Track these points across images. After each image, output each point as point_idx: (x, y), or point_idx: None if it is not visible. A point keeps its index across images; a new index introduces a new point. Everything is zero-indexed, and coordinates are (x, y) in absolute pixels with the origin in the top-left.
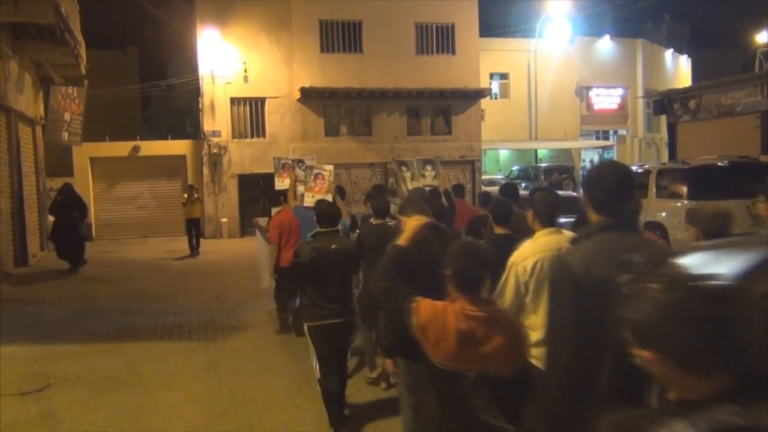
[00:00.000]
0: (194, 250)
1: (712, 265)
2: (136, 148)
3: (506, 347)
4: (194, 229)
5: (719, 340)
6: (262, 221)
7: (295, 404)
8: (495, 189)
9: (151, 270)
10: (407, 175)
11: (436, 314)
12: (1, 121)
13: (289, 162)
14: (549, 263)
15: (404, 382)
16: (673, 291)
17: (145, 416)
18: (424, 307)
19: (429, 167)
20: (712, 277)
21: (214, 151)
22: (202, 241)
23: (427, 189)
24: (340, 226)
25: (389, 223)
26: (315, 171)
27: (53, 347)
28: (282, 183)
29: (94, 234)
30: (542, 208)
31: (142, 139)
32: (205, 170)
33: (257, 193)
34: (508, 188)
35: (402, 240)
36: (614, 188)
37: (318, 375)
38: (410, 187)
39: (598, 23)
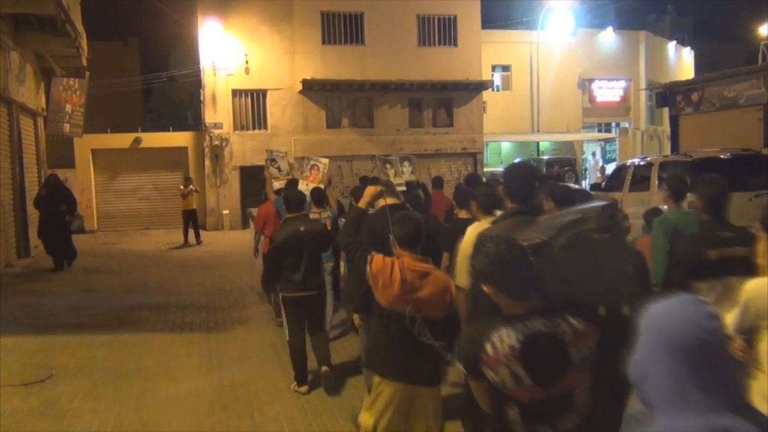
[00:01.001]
0: (187, 240)
1: (545, 230)
2: (137, 140)
3: (436, 296)
4: (191, 221)
5: (530, 276)
6: (255, 211)
7: (297, 396)
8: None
9: (152, 262)
10: (390, 171)
11: (385, 266)
12: (3, 112)
13: (282, 154)
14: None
15: (366, 327)
16: (497, 246)
17: (147, 407)
18: (376, 260)
19: (406, 163)
20: (529, 237)
21: (216, 143)
22: (204, 232)
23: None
24: (328, 213)
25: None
26: (311, 162)
27: (55, 338)
28: (279, 173)
29: (96, 226)
30: (483, 200)
31: (144, 131)
32: (207, 162)
33: (259, 185)
34: (471, 178)
35: (361, 203)
36: (523, 183)
37: (287, 338)
38: (393, 181)
39: (601, 15)
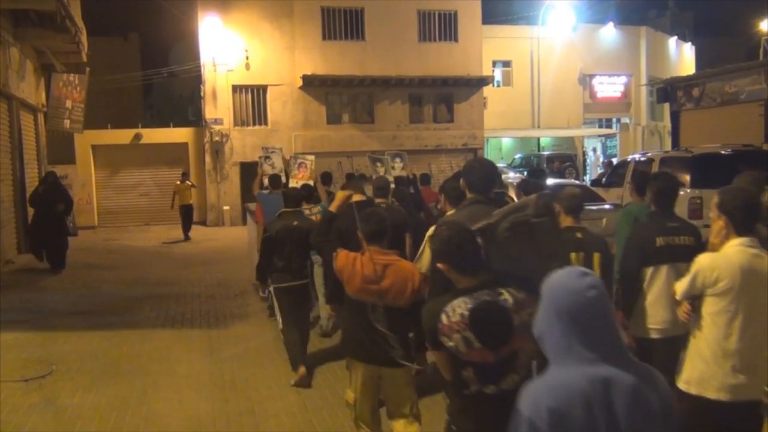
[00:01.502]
0: (187, 235)
1: (493, 216)
2: (137, 136)
3: (398, 284)
4: (187, 215)
5: (477, 254)
6: (252, 206)
7: (297, 390)
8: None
9: (153, 257)
10: (381, 169)
11: (348, 261)
12: (3, 108)
13: (277, 151)
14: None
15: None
16: (449, 230)
17: (148, 403)
18: (341, 256)
19: (398, 160)
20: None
21: (216, 139)
22: (204, 228)
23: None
24: (318, 208)
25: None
26: (299, 160)
27: (55, 334)
28: (272, 170)
29: (96, 221)
30: (450, 192)
31: (144, 126)
32: (207, 158)
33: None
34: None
35: (332, 207)
36: (481, 176)
37: (281, 326)
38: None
39: (602, 10)
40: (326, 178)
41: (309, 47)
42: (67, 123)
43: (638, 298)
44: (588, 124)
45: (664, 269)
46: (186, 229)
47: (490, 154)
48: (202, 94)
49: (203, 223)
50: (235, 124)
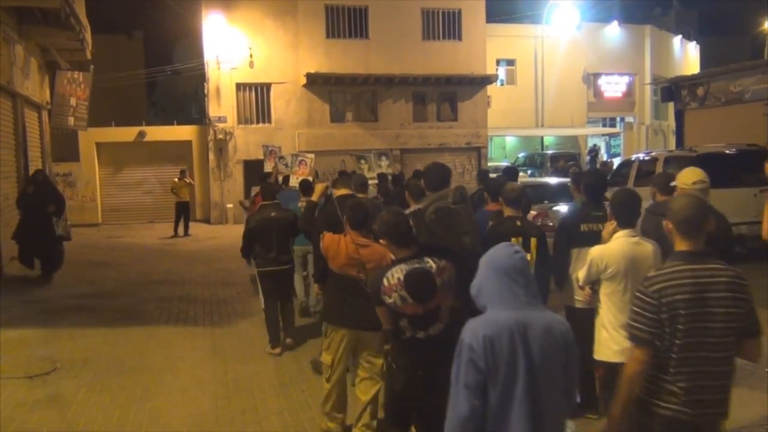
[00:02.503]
0: (177, 231)
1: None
2: (141, 134)
3: (373, 261)
4: (184, 213)
5: (409, 232)
6: (247, 201)
7: (301, 389)
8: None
9: (156, 255)
10: (365, 166)
11: (333, 242)
12: (8, 105)
13: (276, 149)
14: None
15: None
16: (387, 214)
17: (151, 400)
18: (326, 237)
19: (384, 158)
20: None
21: (220, 136)
22: (208, 226)
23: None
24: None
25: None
26: (299, 158)
27: (60, 331)
28: (269, 166)
29: (100, 219)
30: (414, 190)
31: (148, 124)
32: (211, 156)
33: (259, 178)
34: (482, 173)
35: (313, 197)
36: (436, 176)
37: (263, 306)
38: (366, 175)
39: (606, 9)
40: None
41: (313, 45)
42: (71, 120)
43: (566, 273)
44: (592, 123)
45: (586, 251)
46: (185, 226)
47: (493, 152)
48: (205, 91)
49: (207, 221)
50: (239, 122)
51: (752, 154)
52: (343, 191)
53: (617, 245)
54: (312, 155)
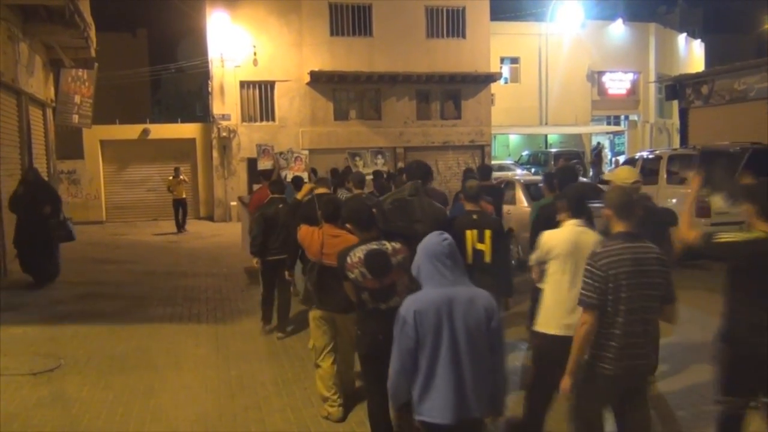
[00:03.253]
0: (180, 228)
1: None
2: (145, 131)
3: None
4: (181, 209)
5: (370, 218)
6: (246, 198)
7: (303, 387)
8: (504, 174)
9: (160, 252)
10: (360, 163)
11: (308, 234)
12: (12, 103)
13: (269, 148)
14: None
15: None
16: (353, 203)
17: (155, 397)
18: (302, 230)
19: (380, 156)
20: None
21: (224, 134)
22: (211, 223)
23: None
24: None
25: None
26: (295, 155)
27: (64, 328)
28: (264, 164)
29: (104, 216)
30: (400, 183)
31: (152, 122)
32: (215, 154)
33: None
34: (483, 169)
35: (298, 195)
36: (417, 173)
37: (262, 290)
38: (362, 171)
39: (610, 7)
40: (314, 171)
41: (317, 43)
42: (75, 118)
43: None
44: (596, 121)
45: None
46: (183, 221)
47: (497, 150)
48: (209, 89)
49: (210, 218)
50: (243, 119)
51: (756, 152)
52: (322, 190)
53: (565, 232)
54: (306, 152)
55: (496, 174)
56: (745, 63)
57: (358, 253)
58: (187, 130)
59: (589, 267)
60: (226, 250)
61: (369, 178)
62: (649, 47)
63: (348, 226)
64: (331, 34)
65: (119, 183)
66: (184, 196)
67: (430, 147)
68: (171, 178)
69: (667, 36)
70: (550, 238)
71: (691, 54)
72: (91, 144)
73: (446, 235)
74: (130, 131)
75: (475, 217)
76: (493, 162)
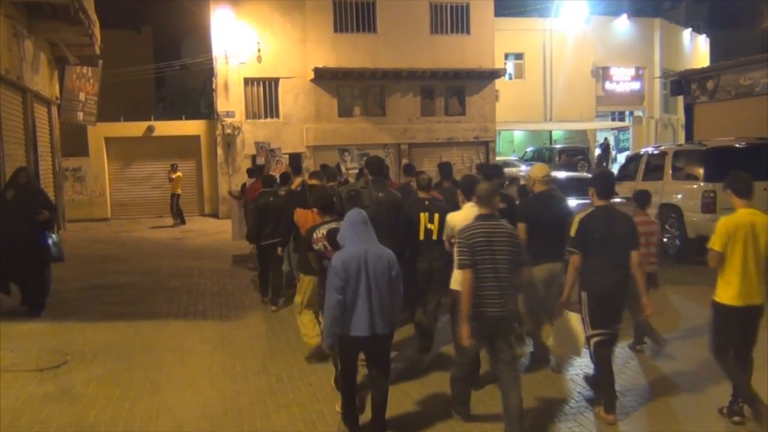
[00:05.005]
0: (178, 219)
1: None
2: (150, 129)
3: None
4: (176, 203)
5: (331, 204)
6: (236, 192)
7: (309, 383)
8: (512, 170)
9: (165, 249)
10: (348, 158)
11: (302, 215)
12: (18, 100)
13: (266, 145)
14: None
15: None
16: (318, 190)
17: (160, 393)
18: (299, 212)
19: (362, 155)
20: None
21: (228, 131)
22: (215, 220)
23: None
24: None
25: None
26: (276, 158)
27: (70, 324)
28: (261, 160)
29: (109, 214)
30: (330, 172)
31: (157, 119)
32: (219, 151)
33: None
34: (483, 168)
35: (292, 187)
36: (372, 165)
37: (258, 269)
38: (349, 167)
39: (615, 2)
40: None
41: (321, 40)
42: (80, 115)
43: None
44: (601, 117)
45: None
46: (178, 213)
47: (501, 147)
48: (214, 86)
49: (215, 215)
50: (247, 116)
51: (762, 147)
52: (314, 181)
53: (463, 212)
54: (287, 155)
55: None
56: (751, 58)
57: (322, 230)
58: (192, 127)
59: (459, 239)
60: (230, 246)
61: (354, 172)
62: (654, 43)
63: (315, 210)
64: (335, 30)
65: (124, 180)
66: (180, 191)
67: (435, 143)
68: (175, 174)
69: (672, 31)
70: (452, 218)
71: (696, 49)
72: (96, 141)
73: (363, 212)
74: (135, 128)
75: (426, 203)
76: (497, 158)
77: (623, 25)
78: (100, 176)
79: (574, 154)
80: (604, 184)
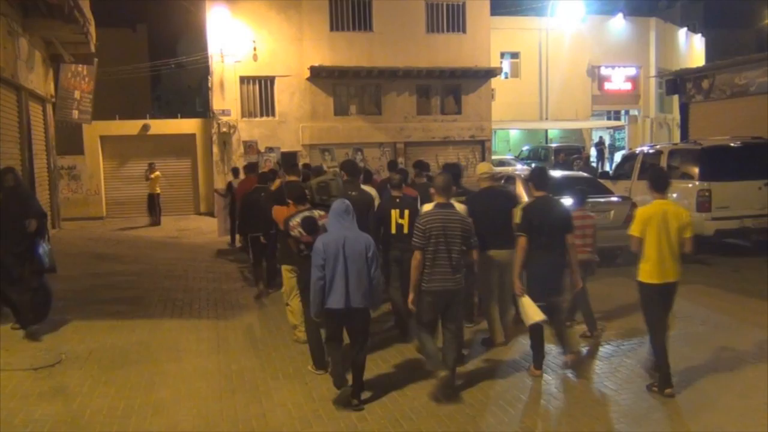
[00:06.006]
0: (157, 219)
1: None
2: (145, 127)
3: None
4: (154, 202)
5: (303, 195)
6: (222, 190)
7: (304, 381)
8: (507, 169)
9: (160, 247)
10: (328, 157)
11: (279, 210)
12: (12, 98)
13: (254, 143)
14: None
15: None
16: (292, 185)
17: (156, 392)
18: (275, 208)
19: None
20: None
21: (224, 129)
22: (212, 219)
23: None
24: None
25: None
26: (264, 157)
27: (65, 323)
28: (250, 159)
29: (104, 212)
30: (310, 172)
31: (152, 117)
32: (215, 149)
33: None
34: (451, 167)
35: (273, 186)
36: (349, 168)
37: (251, 260)
38: (329, 166)
39: (611, 1)
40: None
41: (317, 38)
42: (75, 114)
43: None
44: (596, 116)
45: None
46: (154, 213)
47: (497, 145)
48: (209, 85)
49: (210, 214)
50: (243, 115)
51: (757, 147)
52: (292, 178)
53: (432, 204)
54: (274, 155)
55: (497, 168)
56: (746, 57)
57: (297, 218)
58: (187, 125)
59: (417, 224)
60: (225, 244)
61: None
62: (649, 42)
63: (290, 201)
64: (331, 29)
65: (119, 178)
66: (158, 191)
67: (431, 142)
68: (149, 173)
69: (668, 30)
70: (425, 209)
71: (692, 48)
72: (91, 140)
73: (347, 201)
74: (130, 127)
75: (397, 200)
76: (493, 157)
77: (619, 24)
78: (95, 175)
79: (571, 153)
80: (541, 177)
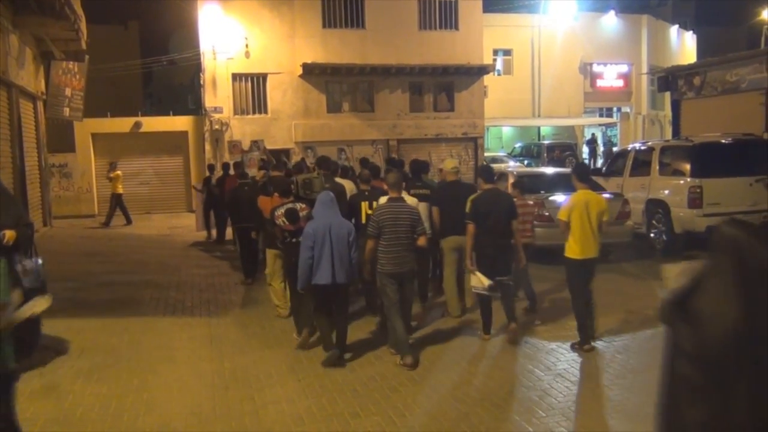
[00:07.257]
0: (129, 219)
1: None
2: (137, 124)
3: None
4: (117, 203)
5: (288, 189)
6: (199, 185)
7: (297, 378)
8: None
9: (153, 245)
10: (311, 154)
11: (265, 201)
12: (2, 96)
13: (238, 143)
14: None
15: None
16: (278, 179)
17: (148, 390)
18: (261, 198)
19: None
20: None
21: (216, 127)
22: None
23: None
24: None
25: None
26: (249, 156)
27: (56, 322)
28: (235, 157)
29: (96, 210)
30: (296, 168)
31: (144, 115)
32: (207, 146)
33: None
34: (404, 162)
35: (257, 178)
36: (324, 163)
37: (238, 251)
38: (312, 163)
39: None
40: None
41: (309, 35)
42: (66, 111)
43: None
44: (589, 113)
45: (423, 205)
46: (111, 215)
47: (490, 142)
48: (201, 82)
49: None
50: (235, 112)
51: (748, 143)
52: (276, 173)
53: (385, 199)
54: (257, 153)
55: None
56: (737, 54)
57: (281, 210)
58: (180, 122)
59: (372, 216)
60: (218, 243)
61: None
62: (641, 39)
63: (276, 194)
64: (324, 26)
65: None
66: (120, 190)
67: (423, 139)
68: (109, 172)
69: (660, 28)
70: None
71: (683, 46)
72: (83, 137)
73: (331, 194)
74: (122, 124)
75: (366, 193)
76: (486, 154)
77: (611, 21)
78: (86, 172)
79: (561, 150)
80: (488, 173)
